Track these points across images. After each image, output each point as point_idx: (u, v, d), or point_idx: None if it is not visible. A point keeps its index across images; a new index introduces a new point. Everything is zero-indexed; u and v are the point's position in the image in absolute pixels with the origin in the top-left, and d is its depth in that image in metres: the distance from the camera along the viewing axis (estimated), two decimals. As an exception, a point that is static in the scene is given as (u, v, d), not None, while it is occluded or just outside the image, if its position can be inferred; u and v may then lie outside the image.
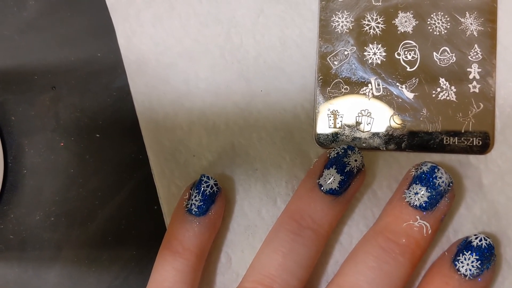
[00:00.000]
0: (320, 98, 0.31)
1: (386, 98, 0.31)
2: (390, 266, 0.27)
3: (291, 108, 0.32)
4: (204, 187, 0.30)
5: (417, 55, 0.31)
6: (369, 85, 0.31)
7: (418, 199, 0.28)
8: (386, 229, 0.28)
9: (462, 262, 0.28)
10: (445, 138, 0.31)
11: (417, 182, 0.28)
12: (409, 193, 0.28)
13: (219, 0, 0.32)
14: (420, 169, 0.28)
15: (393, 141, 0.31)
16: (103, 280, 0.33)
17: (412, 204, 0.28)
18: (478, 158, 0.31)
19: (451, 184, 0.28)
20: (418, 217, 0.28)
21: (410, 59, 0.31)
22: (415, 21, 0.31)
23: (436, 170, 0.28)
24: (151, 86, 0.32)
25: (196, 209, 0.29)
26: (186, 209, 0.29)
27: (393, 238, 0.28)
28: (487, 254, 0.28)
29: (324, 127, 0.31)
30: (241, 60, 0.32)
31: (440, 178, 0.28)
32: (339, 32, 0.31)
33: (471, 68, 0.31)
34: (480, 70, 0.31)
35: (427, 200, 0.28)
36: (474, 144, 0.30)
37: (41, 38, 0.33)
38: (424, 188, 0.28)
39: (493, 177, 0.31)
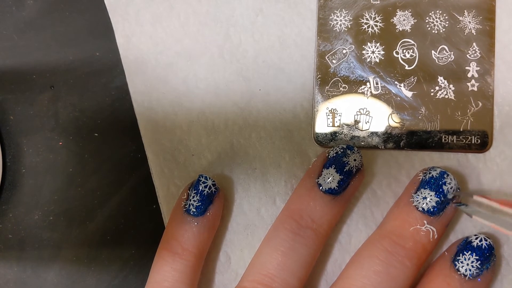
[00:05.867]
0: (319, 97, 0.31)
1: (385, 96, 0.31)
2: (396, 270, 0.27)
3: (290, 108, 0.32)
4: (202, 187, 0.29)
5: (416, 54, 0.31)
6: (368, 83, 0.31)
7: (427, 203, 0.28)
8: (393, 232, 0.28)
9: (462, 262, 0.28)
10: (443, 137, 0.30)
11: (426, 187, 0.28)
12: (417, 197, 0.28)
13: (218, -1, 0.32)
14: (429, 173, 0.28)
15: (392, 139, 0.31)
16: (102, 279, 0.33)
17: (420, 208, 0.28)
18: (477, 157, 0.31)
19: (457, 191, 0.28)
20: (425, 221, 0.28)
21: (408, 58, 0.31)
22: (414, 19, 0.31)
23: (445, 176, 0.28)
24: (150, 86, 0.32)
25: (194, 210, 0.29)
26: (184, 209, 0.29)
27: (400, 241, 0.27)
28: (487, 255, 0.28)
29: (322, 126, 0.31)
30: (240, 59, 0.32)
31: (449, 184, 0.28)
32: (338, 30, 0.31)
33: (470, 66, 0.31)
34: (478, 68, 0.31)
35: (435, 205, 0.28)
36: (473, 142, 0.30)
37: (40, 38, 0.33)
38: (433, 193, 0.28)
39: (491, 175, 0.30)
